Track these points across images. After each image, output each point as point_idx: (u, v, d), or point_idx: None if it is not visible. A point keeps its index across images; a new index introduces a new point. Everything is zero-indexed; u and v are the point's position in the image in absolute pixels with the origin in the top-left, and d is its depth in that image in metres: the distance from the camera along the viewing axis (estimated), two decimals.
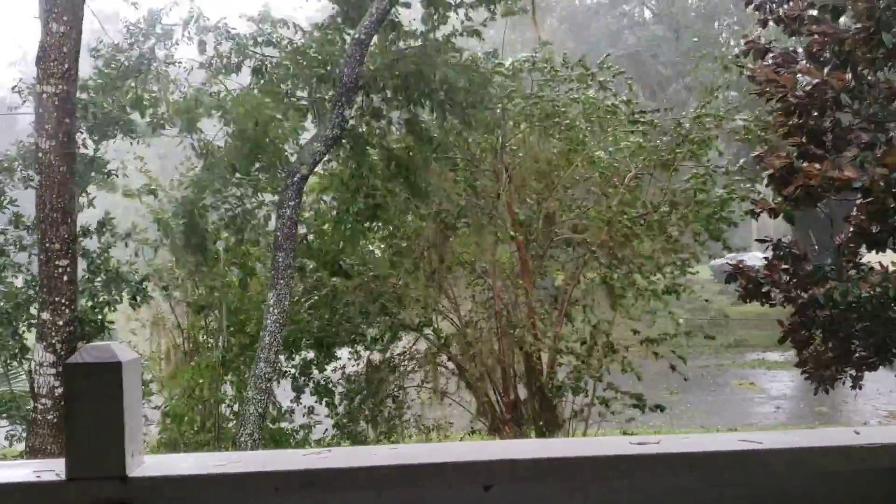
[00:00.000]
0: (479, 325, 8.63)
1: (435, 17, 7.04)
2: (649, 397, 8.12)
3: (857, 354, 6.86)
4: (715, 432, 12.41)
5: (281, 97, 7.12)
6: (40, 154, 5.56)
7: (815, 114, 6.49)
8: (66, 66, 5.54)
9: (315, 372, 8.32)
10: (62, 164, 5.54)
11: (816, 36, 6.64)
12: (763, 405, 15.79)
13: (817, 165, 6.39)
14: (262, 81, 7.13)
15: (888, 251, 6.63)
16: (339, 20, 7.17)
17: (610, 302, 8.29)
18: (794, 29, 7.26)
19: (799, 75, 6.53)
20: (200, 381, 7.45)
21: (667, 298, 8.24)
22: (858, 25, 6.36)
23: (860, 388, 7.21)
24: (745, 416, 14.90)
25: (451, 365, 8.73)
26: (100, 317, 6.95)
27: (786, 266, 6.82)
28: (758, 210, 7.01)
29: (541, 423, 8.21)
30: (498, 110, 7.86)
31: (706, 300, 9.12)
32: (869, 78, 6.75)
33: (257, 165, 6.98)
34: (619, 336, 8.42)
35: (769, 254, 6.99)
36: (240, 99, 6.67)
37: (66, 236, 5.58)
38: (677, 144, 8.16)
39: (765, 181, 7.17)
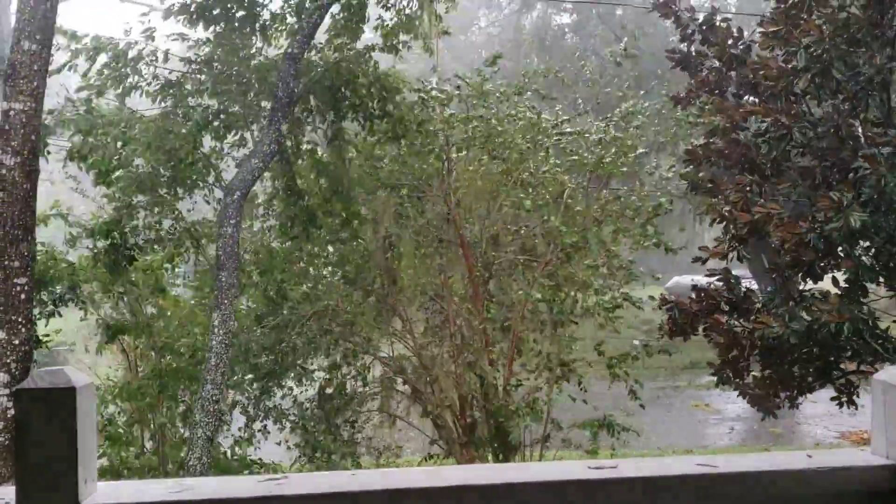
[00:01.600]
0: (433, 348, 8.62)
1: (353, 25, 7.04)
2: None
3: (798, 380, 6.99)
4: (671, 454, 12.52)
5: (200, 114, 6.97)
6: (4, 171, 5.50)
7: (765, 148, 6.66)
8: (36, 83, 5.56)
9: (274, 394, 8.21)
10: (26, 182, 5.51)
11: (764, 72, 6.83)
12: (718, 426, 15.98)
13: (762, 202, 6.56)
14: (174, 99, 6.98)
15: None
16: (235, 24, 7.04)
17: (553, 323, 8.34)
18: (728, 67, 7.46)
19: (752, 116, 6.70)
20: (136, 401, 7.29)
21: (623, 320, 8.32)
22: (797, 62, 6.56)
23: (797, 408, 7.34)
24: (700, 438, 15.07)
25: (407, 389, 8.68)
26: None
27: (730, 297, 6.92)
28: (705, 256, 7.11)
29: (496, 446, 8.20)
30: (440, 136, 7.93)
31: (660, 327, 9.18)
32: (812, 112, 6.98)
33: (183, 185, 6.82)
34: (576, 357, 8.48)
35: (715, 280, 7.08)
36: (144, 126, 6.50)
37: (25, 254, 5.52)
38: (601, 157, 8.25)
39: (710, 223, 7.30)
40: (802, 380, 6.98)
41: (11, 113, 5.53)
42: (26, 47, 5.54)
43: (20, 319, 5.49)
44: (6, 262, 5.50)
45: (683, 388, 18.22)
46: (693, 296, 7.05)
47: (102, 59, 6.92)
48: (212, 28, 7.07)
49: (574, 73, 9.88)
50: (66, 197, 7.84)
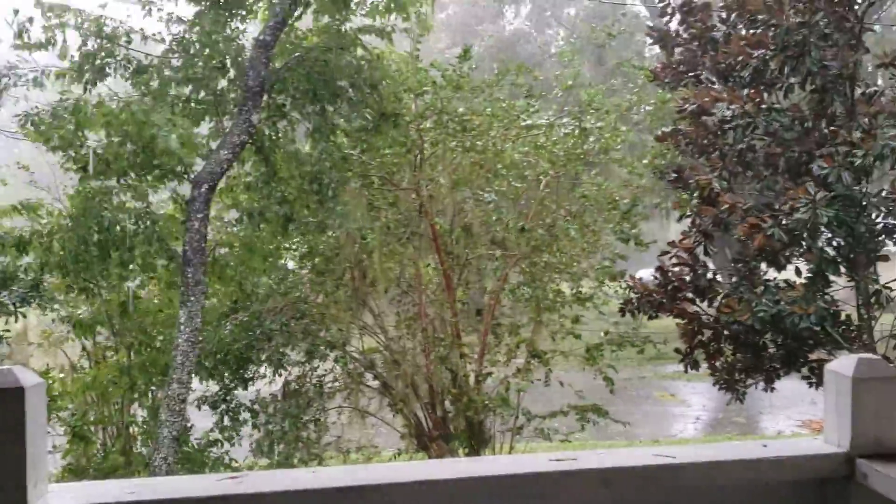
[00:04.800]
0: (404, 342, 8.60)
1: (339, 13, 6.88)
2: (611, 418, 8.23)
3: (767, 365, 7.14)
4: (635, 446, 12.65)
5: (172, 101, 6.77)
6: None
7: (733, 135, 6.75)
8: None
9: (238, 391, 8.12)
10: None
11: (739, 49, 6.90)
12: (683, 416, 16.17)
13: (730, 195, 6.67)
14: (146, 84, 6.74)
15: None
16: (211, 10, 6.80)
17: (531, 313, 8.38)
18: (703, 50, 7.54)
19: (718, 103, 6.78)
20: (98, 397, 7.16)
21: (591, 312, 8.36)
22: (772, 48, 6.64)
23: (772, 391, 7.50)
24: (666, 428, 15.24)
25: (376, 383, 8.65)
26: None
27: (691, 279, 7.05)
28: (673, 251, 7.22)
29: (468, 439, 8.22)
30: (412, 131, 7.88)
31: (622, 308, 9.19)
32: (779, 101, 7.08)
33: (153, 174, 6.63)
34: (546, 348, 8.52)
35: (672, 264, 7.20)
36: (118, 111, 6.23)
37: None
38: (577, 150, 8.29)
39: (679, 218, 7.41)
40: (770, 366, 7.11)
41: None
42: None
43: None
44: None
45: (650, 379, 18.41)
46: (658, 278, 7.17)
47: (74, 36, 6.61)
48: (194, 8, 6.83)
49: (544, 73, 9.91)
50: (26, 193, 7.61)
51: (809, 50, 6.49)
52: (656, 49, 9.20)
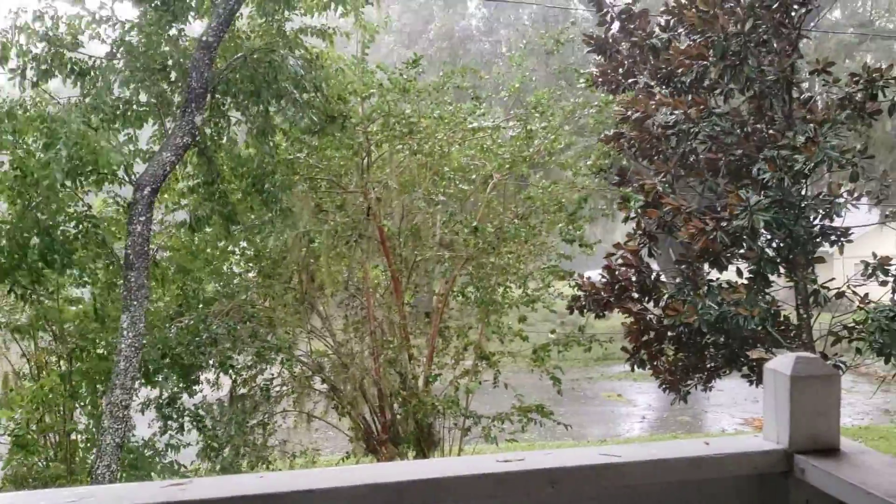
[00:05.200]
0: (353, 345, 8.56)
1: (275, 10, 6.82)
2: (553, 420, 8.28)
3: (709, 364, 7.30)
4: (582, 445, 12.79)
5: (113, 104, 6.62)
6: None
7: (674, 142, 6.89)
8: None
9: (185, 397, 7.97)
10: None
11: (679, 60, 7.04)
12: (630, 416, 16.44)
13: (673, 197, 6.80)
14: (89, 87, 6.58)
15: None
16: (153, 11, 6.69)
17: (477, 315, 8.41)
18: (643, 57, 7.67)
19: (662, 108, 6.92)
20: (41, 405, 6.97)
21: (539, 314, 8.42)
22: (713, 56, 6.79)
23: (710, 390, 7.66)
24: (613, 427, 15.47)
25: (325, 387, 8.59)
26: None
27: (637, 279, 7.18)
28: (618, 252, 7.33)
29: (417, 442, 8.22)
30: (360, 134, 7.85)
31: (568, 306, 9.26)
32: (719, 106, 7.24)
33: (90, 179, 6.47)
34: (495, 350, 8.56)
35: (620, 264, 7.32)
36: (54, 116, 6.08)
37: None
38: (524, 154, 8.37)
39: (624, 220, 7.53)
40: (713, 365, 7.27)
41: None
42: None
43: None
44: None
45: (597, 380, 18.66)
46: (606, 277, 7.28)
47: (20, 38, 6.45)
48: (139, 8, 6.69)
49: (490, 74, 9.94)
50: None
51: (747, 57, 6.66)
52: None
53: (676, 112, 6.80)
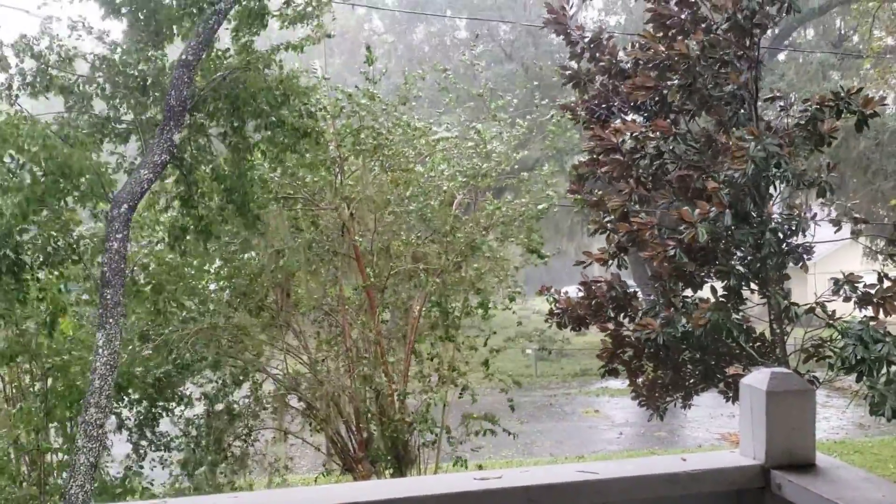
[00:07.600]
0: (328, 362, 8.52)
1: (250, 28, 6.86)
2: (500, 426, 8.28)
3: (688, 381, 7.36)
4: (560, 462, 12.80)
5: (97, 122, 6.64)
6: None
7: (644, 162, 7.00)
8: None
9: (160, 416, 7.89)
10: None
11: (638, 88, 7.18)
12: (607, 432, 16.45)
13: (643, 215, 6.90)
14: (73, 103, 6.59)
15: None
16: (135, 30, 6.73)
17: (443, 331, 8.42)
18: (614, 85, 7.81)
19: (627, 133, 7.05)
20: (19, 429, 6.86)
21: (517, 329, 8.44)
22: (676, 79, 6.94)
23: (689, 408, 7.70)
24: (591, 443, 15.48)
25: (301, 405, 8.54)
26: None
27: (613, 294, 7.25)
28: (588, 261, 7.42)
29: (393, 459, 8.17)
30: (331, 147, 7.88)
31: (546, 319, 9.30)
32: (686, 126, 7.38)
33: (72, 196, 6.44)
34: (472, 367, 8.57)
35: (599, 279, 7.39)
36: (32, 131, 6.03)
37: None
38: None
39: (591, 233, 7.63)
40: (690, 382, 7.33)
41: None
42: None
43: None
44: None
45: (574, 395, 18.66)
46: (582, 292, 7.36)
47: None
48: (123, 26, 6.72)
49: (466, 88, 10.00)
50: None
51: (708, 82, 6.83)
52: None
53: (640, 135, 6.94)
